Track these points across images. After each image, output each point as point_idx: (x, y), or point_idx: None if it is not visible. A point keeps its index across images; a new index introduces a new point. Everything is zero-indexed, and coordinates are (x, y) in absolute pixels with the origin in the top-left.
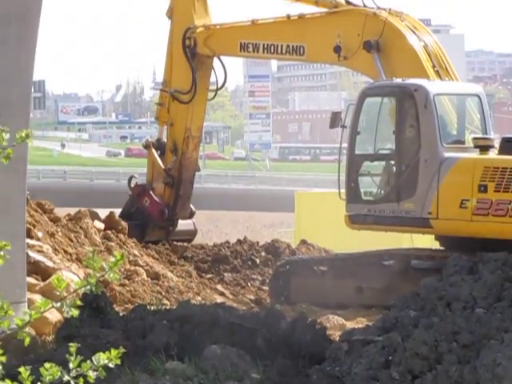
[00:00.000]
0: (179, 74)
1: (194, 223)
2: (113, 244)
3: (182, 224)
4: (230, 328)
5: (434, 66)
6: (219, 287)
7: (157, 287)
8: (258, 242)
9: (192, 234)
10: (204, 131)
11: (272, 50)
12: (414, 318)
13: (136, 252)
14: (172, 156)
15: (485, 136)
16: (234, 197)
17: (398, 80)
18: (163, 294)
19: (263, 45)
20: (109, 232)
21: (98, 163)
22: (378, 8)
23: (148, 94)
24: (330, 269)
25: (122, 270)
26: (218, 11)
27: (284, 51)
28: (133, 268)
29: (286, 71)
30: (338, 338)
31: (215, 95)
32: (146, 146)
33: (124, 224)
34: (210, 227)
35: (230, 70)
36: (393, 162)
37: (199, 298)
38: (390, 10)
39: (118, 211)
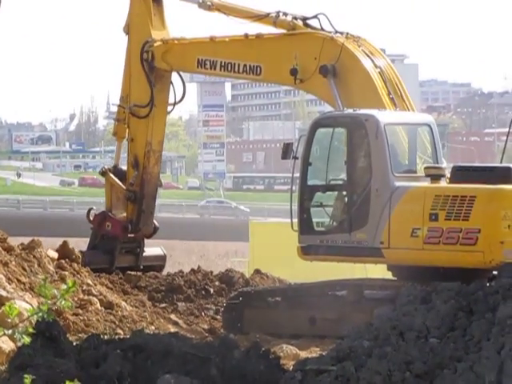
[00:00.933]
0: (138, 89)
1: (162, 248)
2: (66, 273)
3: (151, 250)
4: (184, 357)
5: (389, 93)
6: (173, 317)
7: (110, 316)
8: (211, 272)
9: (162, 258)
10: None
11: (229, 68)
12: (367, 348)
13: (89, 281)
14: (133, 171)
15: (436, 165)
16: (188, 226)
17: (350, 110)
18: (117, 323)
19: (220, 62)
20: (62, 261)
21: (52, 192)
22: (336, 32)
23: (102, 123)
24: (283, 299)
25: (76, 299)
26: (175, 25)
27: (241, 70)
28: (86, 297)
29: (240, 101)
30: (291, 368)
31: (173, 108)
32: (103, 173)
33: (77, 253)
34: None
35: (184, 99)
36: (344, 193)
37: (153, 328)
38: (347, 34)
39: (71, 240)
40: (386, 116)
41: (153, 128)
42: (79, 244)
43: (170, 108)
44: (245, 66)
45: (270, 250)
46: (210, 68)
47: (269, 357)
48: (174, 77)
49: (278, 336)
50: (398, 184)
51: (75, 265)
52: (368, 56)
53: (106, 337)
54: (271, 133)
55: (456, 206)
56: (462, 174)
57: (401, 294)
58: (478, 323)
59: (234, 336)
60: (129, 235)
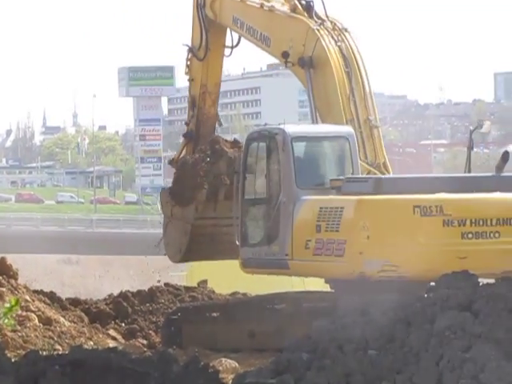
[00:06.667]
0: (196, 32)
1: None
2: (4, 290)
3: None
4: (123, 372)
5: (349, 98)
6: (111, 332)
7: (49, 332)
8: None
9: None
10: (95, 175)
11: (251, 33)
12: (306, 361)
13: (28, 297)
14: (191, 111)
15: (340, 177)
16: (126, 241)
17: (270, 125)
18: (55, 339)
19: (246, 25)
20: (0, 278)
21: None
22: (326, 19)
23: (38, 138)
24: (222, 314)
25: (14, 315)
26: None
27: (258, 37)
28: (24, 313)
29: (177, 115)
30: (230, 382)
31: (231, 53)
32: (171, 162)
33: (15, 270)
34: (101, 272)
35: (121, 114)
36: (264, 206)
37: (91, 343)
38: (334, 25)
39: (9, 256)
40: (296, 129)
41: (207, 70)
42: (16, 260)
43: (227, 52)
44: (261, 34)
45: (208, 263)
46: (241, 28)
47: (208, 371)
48: None
49: (218, 350)
50: (304, 197)
51: (13, 281)
52: (342, 54)
53: (44, 353)
54: None
55: (331, 218)
56: (349, 185)
57: (339, 307)
58: (417, 335)
59: (173, 350)
60: None
